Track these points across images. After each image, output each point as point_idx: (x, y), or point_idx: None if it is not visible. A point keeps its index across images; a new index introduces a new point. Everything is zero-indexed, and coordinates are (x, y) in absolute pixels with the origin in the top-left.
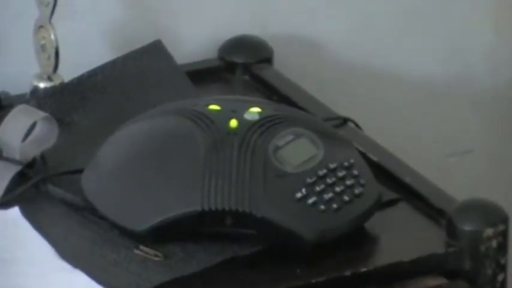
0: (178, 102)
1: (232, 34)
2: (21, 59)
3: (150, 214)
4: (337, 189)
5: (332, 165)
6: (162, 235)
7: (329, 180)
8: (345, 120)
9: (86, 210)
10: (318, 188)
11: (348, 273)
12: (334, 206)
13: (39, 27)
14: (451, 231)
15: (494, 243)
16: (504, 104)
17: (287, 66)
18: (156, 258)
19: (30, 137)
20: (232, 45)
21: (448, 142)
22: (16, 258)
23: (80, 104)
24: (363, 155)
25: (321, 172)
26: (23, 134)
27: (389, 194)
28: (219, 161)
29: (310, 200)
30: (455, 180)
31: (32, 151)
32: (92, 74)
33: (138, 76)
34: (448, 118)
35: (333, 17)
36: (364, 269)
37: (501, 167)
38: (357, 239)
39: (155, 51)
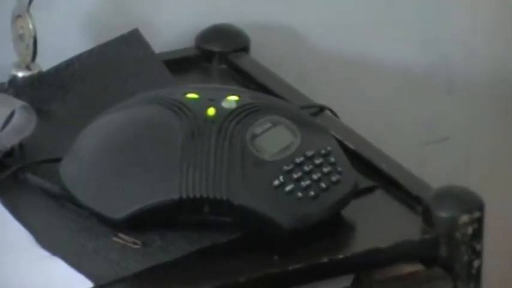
0: (156, 91)
1: (209, 23)
2: None
3: (128, 202)
4: (314, 176)
5: (309, 153)
6: (141, 223)
7: (306, 168)
8: (321, 109)
9: (65, 199)
10: (295, 176)
11: (325, 260)
12: (311, 193)
13: (17, 17)
14: (427, 218)
15: (469, 230)
16: (480, 91)
17: (264, 55)
18: (135, 246)
19: (8, 126)
20: (209, 34)
21: (424, 130)
22: None
23: (58, 93)
24: (340, 142)
25: (298, 160)
26: (1, 123)
27: (366, 182)
28: (197, 149)
29: (288, 188)
30: (432, 167)
31: (10, 140)
32: (70, 63)
33: (116, 65)
34: (425, 106)
35: (311, 6)
36: (341, 256)
37: (477, 154)
38: (333, 226)
39: (133, 40)
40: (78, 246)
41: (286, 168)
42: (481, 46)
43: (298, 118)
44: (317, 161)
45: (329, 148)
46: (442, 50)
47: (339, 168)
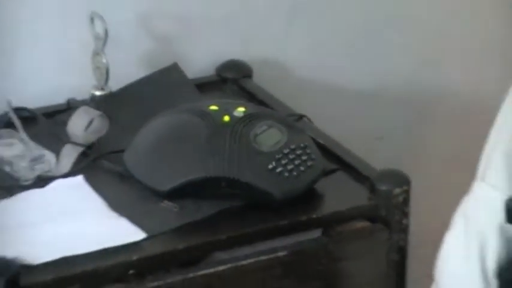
0: (189, 104)
1: (225, 58)
2: (82, 75)
3: (171, 179)
4: (296, 162)
5: (292, 146)
6: (179, 194)
7: (290, 157)
8: (301, 117)
9: (127, 177)
10: (283, 162)
11: (303, 218)
12: (294, 173)
13: (95, 54)
14: (372, 190)
15: (400, 198)
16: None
17: (262, 80)
18: (175, 209)
19: (90, 128)
20: (225, 66)
21: (372, 130)
22: (79, 210)
23: (122, 106)
24: (313, 139)
25: (285, 151)
26: (85, 125)
27: (331, 166)
28: (217, 143)
29: (278, 170)
30: (376, 156)
31: (91, 138)
32: (130, 86)
33: (162, 87)
34: (371, 113)
35: (296, 45)
36: (314, 216)
37: (406, 147)
38: (309, 196)
39: (174, 70)
40: (136, 209)
41: (277, 156)
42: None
43: (285, 123)
44: (298, 152)
45: (306, 143)
46: (384, 73)
47: (313, 157)
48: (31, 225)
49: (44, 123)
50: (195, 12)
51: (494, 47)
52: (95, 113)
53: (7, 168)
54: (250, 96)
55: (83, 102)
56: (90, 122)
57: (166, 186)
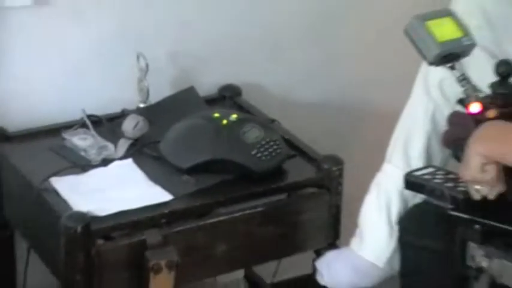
0: (201, 112)
1: (223, 83)
2: (131, 93)
3: (190, 160)
4: (269, 150)
5: (267, 140)
6: (195, 170)
7: (266, 146)
8: (273, 121)
9: (160, 159)
10: (261, 149)
11: (274, 186)
12: (268, 157)
13: (140, 80)
14: (319, 168)
15: (337, 173)
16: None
17: (249, 97)
18: (192, 181)
19: (136, 127)
20: (224, 88)
21: (321, 128)
22: (129, 181)
23: (157, 114)
24: (281, 135)
25: (263, 143)
26: (133, 126)
27: (292, 153)
28: (219, 137)
29: (258, 155)
30: (323, 146)
31: (137, 134)
32: (162, 101)
33: (182, 102)
34: (320, 116)
35: (272, 74)
36: (282, 184)
37: (342, 140)
38: (278, 172)
39: (190, 91)
40: (166, 180)
41: (257, 146)
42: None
43: (262, 124)
44: (271, 144)
45: (276, 138)
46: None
47: (280, 147)
48: (98, 191)
49: (107, 125)
50: (205, 51)
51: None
52: (139, 118)
53: (83, 153)
54: (240, 108)
55: (132, 111)
56: (137, 124)
57: (186, 164)
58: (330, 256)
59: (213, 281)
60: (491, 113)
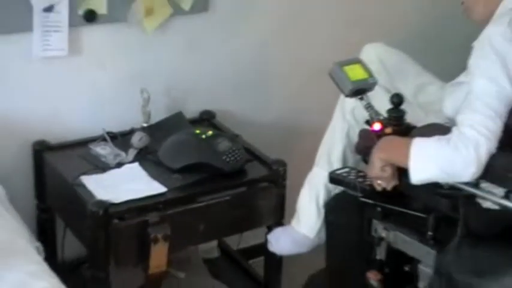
0: (186, 130)
1: (202, 109)
2: (137, 116)
3: (179, 163)
4: (235, 156)
5: (233, 148)
6: (182, 170)
7: (233, 153)
8: (237, 135)
9: (158, 163)
10: (229, 156)
11: (238, 182)
12: (234, 161)
13: (143, 107)
14: (270, 168)
15: (282, 172)
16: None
17: (220, 119)
18: (180, 178)
19: (141, 141)
20: (203, 112)
21: (269, 139)
22: (135, 178)
23: (156, 131)
24: (243, 146)
25: (230, 151)
26: (139, 139)
27: (250, 158)
28: (200, 147)
29: (227, 159)
30: (273, 153)
31: (141, 145)
32: (159, 122)
33: (174, 122)
34: (267, 130)
35: (238, 101)
36: (244, 180)
37: (285, 149)
38: (240, 171)
39: (179, 115)
40: (162, 177)
41: (226, 153)
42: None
43: (230, 137)
44: (236, 151)
45: (239, 147)
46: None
47: (242, 153)
48: (114, 185)
49: (120, 139)
50: (189, 87)
51: None
52: (143, 134)
53: (103, 159)
54: (214, 127)
55: (138, 129)
56: (141, 138)
57: (176, 166)
58: (277, 231)
59: (195, 248)
60: (388, 130)
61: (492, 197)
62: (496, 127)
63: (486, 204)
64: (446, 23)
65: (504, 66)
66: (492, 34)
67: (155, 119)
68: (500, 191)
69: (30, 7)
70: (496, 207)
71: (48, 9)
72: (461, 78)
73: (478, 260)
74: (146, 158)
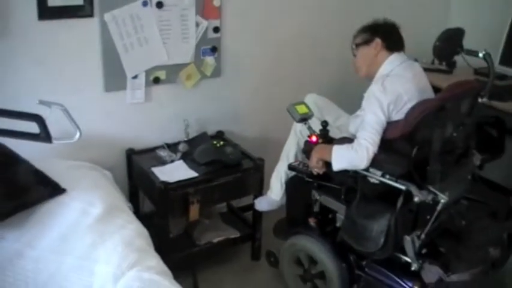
0: (208, 141)
1: (216, 130)
2: (181, 135)
3: (204, 159)
4: (236, 155)
5: (234, 151)
6: (206, 164)
7: (234, 154)
8: (236, 144)
9: (195, 160)
10: (232, 155)
11: (237, 170)
12: (235, 159)
13: (185, 130)
14: (255, 162)
15: (261, 164)
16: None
17: (228, 136)
18: (204, 168)
19: (184, 147)
20: (217, 132)
21: (259, 142)
22: (181, 169)
23: (192, 142)
24: (240, 150)
25: (233, 152)
26: (182, 147)
27: (243, 156)
28: (216, 151)
29: (231, 157)
30: (257, 154)
31: (184, 150)
32: (194, 137)
33: (202, 138)
34: (256, 144)
35: (238, 126)
36: (240, 169)
37: (265, 149)
38: (238, 165)
39: (204, 134)
40: (195, 168)
41: (231, 154)
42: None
43: (232, 145)
44: (236, 153)
45: (238, 150)
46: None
47: (239, 154)
48: (170, 172)
49: (172, 147)
50: (209, 118)
51: None
52: (185, 144)
53: (164, 158)
54: (224, 140)
55: (182, 141)
56: (184, 146)
57: (203, 161)
58: (259, 197)
59: (214, 207)
60: (320, 141)
61: (375, 176)
62: (377, 139)
63: (372, 180)
64: (349, 80)
65: (380, 106)
66: (374, 89)
67: (191, 135)
68: (379, 173)
69: (125, 76)
70: (377, 182)
71: (134, 77)
72: (358, 112)
73: (367, 210)
74: (186, 157)
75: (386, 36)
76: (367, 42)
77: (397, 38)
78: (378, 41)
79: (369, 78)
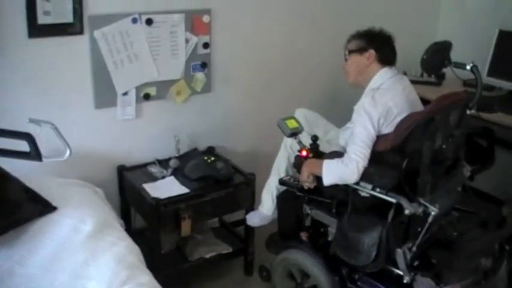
0: (199, 157)
1: (207, 145)
2: (172, 151)
3: (195, 174)
4: (226, 170)
5: (225, 166)
6: (197, 179)
7: (225, 169)
8: (227, 160)
9: (185, 176)
10: (223, 170)
11: (228, 185)
12: (226, 174)
13: (176, 147)
14: (246, 177)
15: (253, 179)
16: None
17: (218, 151)
18: (196, 184)
19: (175, 163)
20: (208, 148)
21: (245, 156)
22: (172, 185)
23: (183, 158)
24: (231, 165)
25: (224, 167)
26: (173, 162)
27: (234, 171)
28: (207, 166)
29: (222, 172)
30: (247, 167)
31: (175, 166)
32: (185, 153)
33: (193, 154)
34: (248, 160)
35: (227, 141)
36: (231, 184)
37: (256, 165)
38: (230, 179)
39: (195, 150)
40: (186, 185)
41: (222, 169)
42: None
43: (223, 160)
44: (227, 168)
45: (230, 165)
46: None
47: (231, 169)
48: (160, 188)
49: (163, 163)
50: (200, 135)
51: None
52: (176, 159)
53: (154, 174)
54: (215, 155)
55: (173, 157)
56: (175, 162)
57: (194, 177)
58: (251, 212)
59: (206, 222)
60: (310, 155)
61: (366, 190)
62: (366, 153)
63: (363, 194)
64: (339, 92)
65: (370, 120)
66: (364, 102)
67: (182, 151)
68: (369, 186)
69: (115, 93)
70: (368, 195)
71: (125, 93)
72: (348, 125)
73: (358, 223)
74: (178, 173)
75: (381, 48)
76: (360, 50)
77: (391, 51)
78: (371, 52)
79: (356, 86)
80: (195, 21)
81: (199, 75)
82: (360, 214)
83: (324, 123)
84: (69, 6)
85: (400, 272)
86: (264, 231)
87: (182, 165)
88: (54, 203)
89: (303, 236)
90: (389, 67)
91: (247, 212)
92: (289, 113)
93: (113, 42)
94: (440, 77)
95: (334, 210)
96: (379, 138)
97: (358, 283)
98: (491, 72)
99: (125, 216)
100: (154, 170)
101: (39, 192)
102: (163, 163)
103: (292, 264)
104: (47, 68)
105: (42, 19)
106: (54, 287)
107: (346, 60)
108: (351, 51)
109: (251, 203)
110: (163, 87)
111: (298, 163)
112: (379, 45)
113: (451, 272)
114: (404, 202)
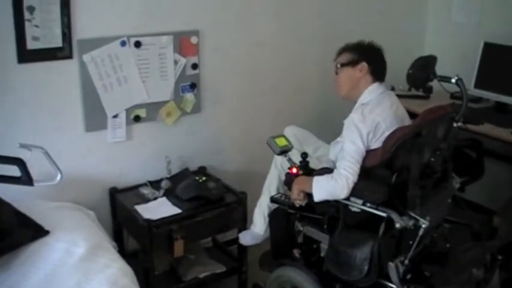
0: (191, 177)
1: (198, 165)
2: (163, 172)
3: (187, 195)
4: (218, 190)
5: (217, 186)
6: (188, 200)
7: (217, 189)
8: (218, 179)
9: (177, 197)
10: (215, 190)
11: (219, 205)
12: (218, 193)
13: (167, 168)
14: (238, 196)
15: (244, 197)
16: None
17: (210, 171)
18: (188, 204)
19: (166, 184)
20: (199, 168)
21: (236, 172)
22: (164, 206)
23: (174, 179)
24: (222, 184)
25: (215, 187)
26: (165, 184)
27: (226, 190)
28: (199, 186)
29: (214, 192)
30: (239, 186)
31: (166, 187)
32: (175, 174)
33: (184, 175)
34: (238, 179)
35: (217, 161)
36: (222, 203)
37: (247, 185)
38: (221, 199)
39: (186, 170)
40: (178, 205)
41: (213, 189)
42: None
43: (214, 180)
44: (218, 188)
45: (221, 185)
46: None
47: (222, 188)
48: (152, 209)
49: (154, 184)
50: (191, 155)
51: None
52: (167, 181)
53: (146, 196)
54: (206, 175)
55: (164, 178)
56: (166, 183)
57: (186, 197)
58: (243, 232)
59: (198, 243)
60: (300, 173)
61: (356, 205)
62: (356, 169)
63: (354, 209)
64: (328, 109)
65: (360, 135)
66: (353, 117)
67: (173, 172)
68: (360, 201)
69: (106, 115)
70: (358, 210)
71: (115, 116)
72: (338, 139)
73: (349, 238)
74: (169, 194)
75: (373, 60)
76: (352, 63)
77: (382, 64)
78: (363, 64)
79: (348, 100)
80: (183, 43)
81: (189, 96)
82: (352, 229)
83: (314, 141)
84: (58, 31)
85: (393, 286)
86: (257, 249)
87: (174, 185)
88: (46, 227)
89: (296, 253)
90: (379, 83)
91: (239, 231)
92: (279, 131)
93: (102, 66)
94: (428, 91)
95: (325, 226)
96: (368, 153)
97: None
98: (478, 84)
99: (118, 238)
100: (146, 191)
101: (31, 217)
102: (154, 184)
103: (286, 281)
104: (37, 93)
105: (31, 44)
106: None
107: (337, 73)
108: (342, 65)
109: (243, 222)
110: (153, 108)
111: (288, 181)
112: (370, 57)
113: (443, 284)
114: (394, 216)
